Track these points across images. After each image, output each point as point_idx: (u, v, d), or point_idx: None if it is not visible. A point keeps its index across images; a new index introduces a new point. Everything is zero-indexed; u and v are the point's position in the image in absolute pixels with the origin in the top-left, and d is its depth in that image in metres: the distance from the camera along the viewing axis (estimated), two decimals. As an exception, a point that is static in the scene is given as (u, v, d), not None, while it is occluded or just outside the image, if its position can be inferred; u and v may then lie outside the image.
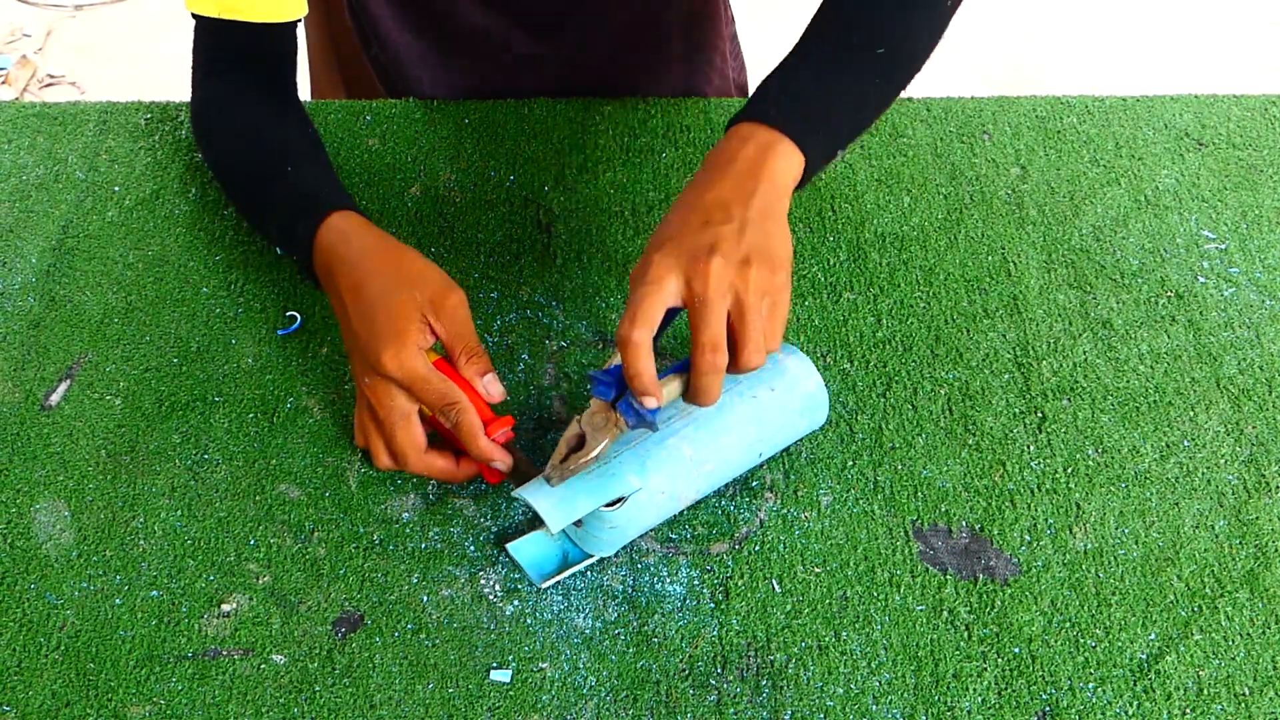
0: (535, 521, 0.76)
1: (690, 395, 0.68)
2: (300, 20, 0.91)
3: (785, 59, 0.78)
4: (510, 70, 1.06)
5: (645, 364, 0.66)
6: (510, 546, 0.75)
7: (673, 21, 1.08)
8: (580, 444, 0.69)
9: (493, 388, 0.74)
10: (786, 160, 0.71)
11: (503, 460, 0.73)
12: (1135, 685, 0.69)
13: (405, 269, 0.76)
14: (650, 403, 0.67)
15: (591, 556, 0.74)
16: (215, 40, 0.90)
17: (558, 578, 0.73)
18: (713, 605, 0.73)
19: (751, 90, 0.81)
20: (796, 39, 0.79)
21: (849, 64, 0.77)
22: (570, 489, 0.70)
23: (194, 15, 0.89)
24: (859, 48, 0.77)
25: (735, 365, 0.67)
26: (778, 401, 0.75)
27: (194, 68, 0.93)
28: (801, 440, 0.80)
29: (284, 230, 0.82)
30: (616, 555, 0.75)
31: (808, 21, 0.80)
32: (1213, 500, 0.78)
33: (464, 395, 0.72)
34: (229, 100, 0.90)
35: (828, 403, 0.78)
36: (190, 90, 0.93)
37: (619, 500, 0.70)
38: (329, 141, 1.00)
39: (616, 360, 0.68)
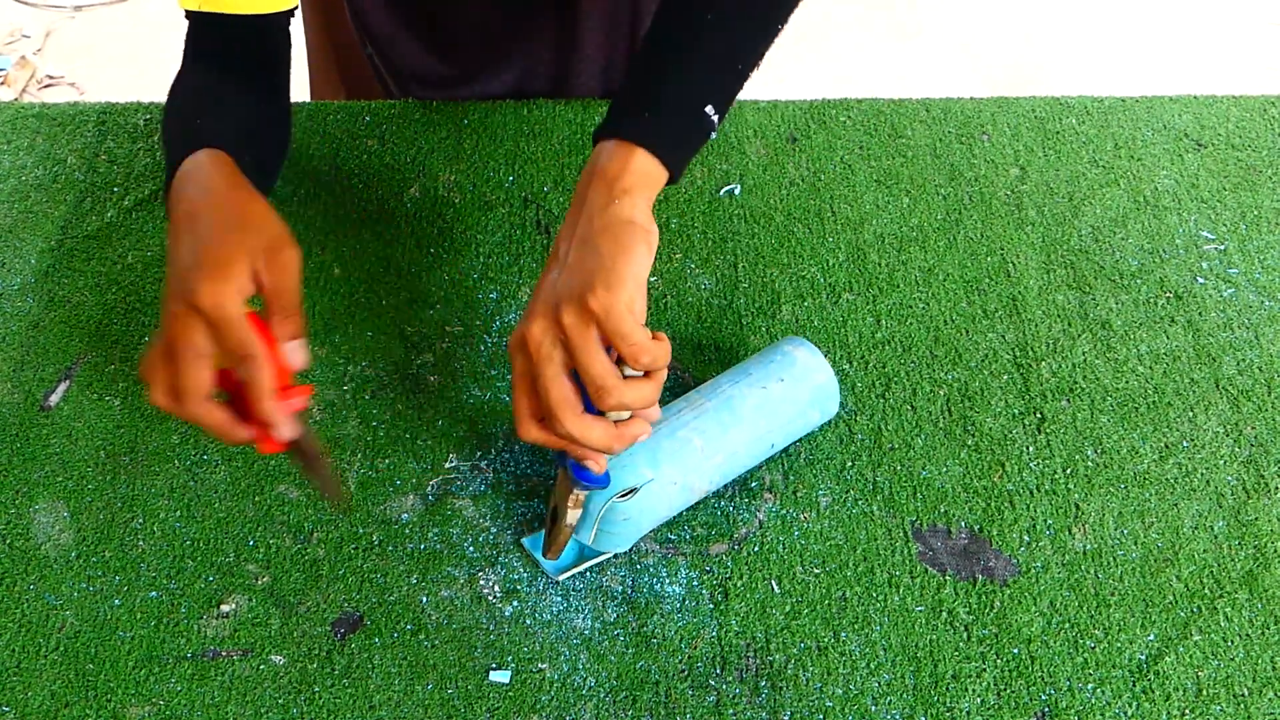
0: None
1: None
2: (292, 16, 0.89)
3: (640, 48, 0.75)
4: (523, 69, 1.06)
5: (561, 441, 0.65)
6: (526, 541, 0.75)
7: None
8: (555, 517, 0.71)
9: (296, 355, 0.69)
10: (610, 156, 0.68)
11: (288, 428, 0.67)
12: (1134, 686, 0.69)
13: (248, 213, 0.71)
14: (594, 467, 0.67)
15: (607, 552, 0.74)
16: (200, 32, 0.88)
17: (573, 570, 0.73)
18: (712, 606, 0.73)
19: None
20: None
21: (666, 35, 0.73)
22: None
23: (185, 13, 0.88)
24: (681, 13, 0.73)
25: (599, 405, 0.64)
26: (788, 393, 0.75)
27: (181, 62, 0.91)
28: (800, 441, 0.80)
29: (168, 166, 0.77)
30: (616, 556, 0.75)
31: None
32: (1212, 501, 0.78)
33: (265, 352, 0.66)
34: (205, 82, 0.85)
35: (839, 394, 0.78)
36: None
37: (631, 491, 0.70)
38: (328, 141, 1.00)
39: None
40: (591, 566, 0.74)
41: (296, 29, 0.93)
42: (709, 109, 0.71)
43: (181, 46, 0.89)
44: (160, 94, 1.07)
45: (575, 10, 1.04)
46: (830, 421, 0.81)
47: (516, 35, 1.05)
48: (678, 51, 0.73)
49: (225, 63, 0.87)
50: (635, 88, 0.72)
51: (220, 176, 0.73)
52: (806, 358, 0.77)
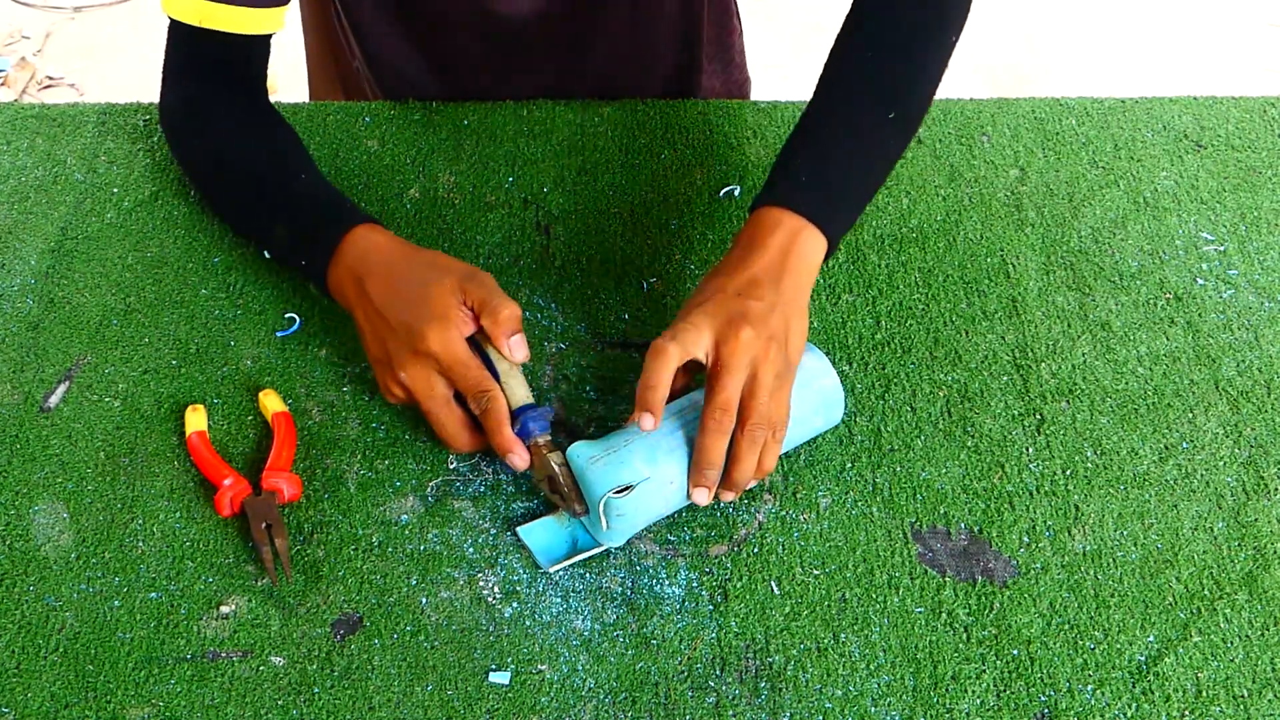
0: (548, 507, 0.76)
1: (695, 455, 0.71)
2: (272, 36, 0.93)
3: (800, 130, 0.82)
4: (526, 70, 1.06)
5: (663, 374, 0.70)
6: (521, 530, 0.75)
7: (666, 28, 1.08)
8: (552, 484, 0.74)
9: (518, 349, 0.76)
10: (813, 244, 0.76)
11: (520, 458, 0.74)
12: (1134, 687, 0.69)
13: (438, 261, 0.79)
14: (647, 423, 0.70)
15: (601, 545, 0.74)
16: (191, 47, 0.93)
17: (566, 563, 0.73)
18: (711, 607, 0.73)
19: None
20: (809, 101, 0.83)
21: (863, 131, 0.82)
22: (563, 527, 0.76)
23: (171, 20, 0.91)
24: (870, 110, 0.81)
25: (736, 439, 0.71)
26: (793, 398, 0.75)
27: (166, 70, 0.95)
28: (801, 442, 0.80)
29: (298, 234, 0.84)
30: (616, 556, 0.75)
31: (817, 80, 0.83)
32: (1211, 502, 0.78)
33: (496, 386, 0.75)
34: (206, 101, 0.92)
35: (844, 400, 0.78)
36: (160, 90, 0.95)
37: (627, 488, 0.70)
38: (328, 142, 1.00)
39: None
40: (584, 560, 0.74)
41: (296, 27, 0.94)
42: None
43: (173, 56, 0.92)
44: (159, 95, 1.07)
45: (586, 38, 1.04)
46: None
47: (520, 60, 1.06)
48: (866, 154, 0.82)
49: (223, 83, 0.93)
50: (833, 183, 0.80)
51: (394, 246, 0.80)
52: (812, 363, 0.77)
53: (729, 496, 0.74)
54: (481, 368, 0.75)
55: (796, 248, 0.75)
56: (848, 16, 0.85)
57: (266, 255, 0.90)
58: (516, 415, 0.75)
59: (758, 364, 0.70)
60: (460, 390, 0.75)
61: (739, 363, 0.70)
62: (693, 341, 0.71)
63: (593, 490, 0.71)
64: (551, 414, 0.76)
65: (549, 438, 0.75)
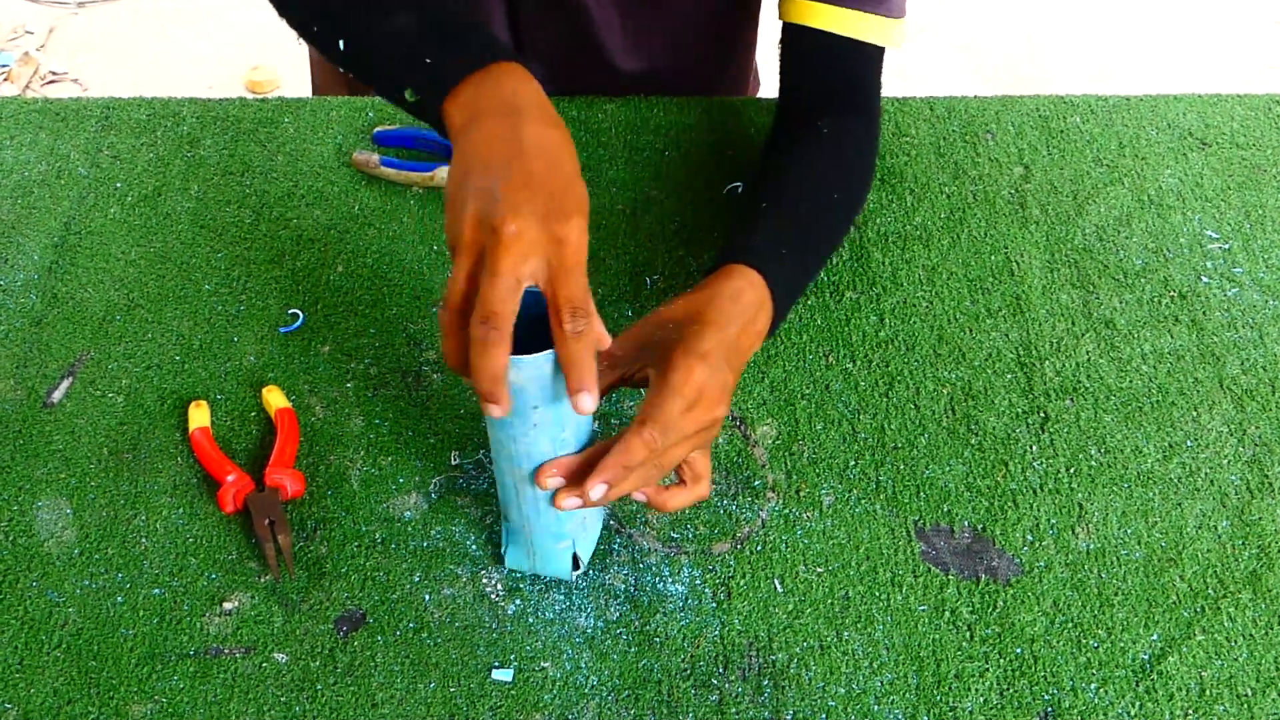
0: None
1: (614, 453, 0.64)
2: None
3: (757, 214, 0.81)
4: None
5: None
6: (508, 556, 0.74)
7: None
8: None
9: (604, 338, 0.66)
10: (764, 322, 0.74)
11: (594, 402, 0.62)
12: (1138, 686, 0.69)
13: (578, 173, 0.66)
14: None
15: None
16: None
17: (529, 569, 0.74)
18: (714, 605, 0.73)
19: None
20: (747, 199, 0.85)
21: (824, 225, 0.84)
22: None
23: None
24: (828, 206, 0.85)
25: (630, 439, 0.64)
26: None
27: None
28: (804, 440, 0.80)
29: (437, 30, 0.70)
30: (618, 554, 0.75)
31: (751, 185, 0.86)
32: (1215, 501, 0.78)
33: (595, 314, 0.63)
34: None
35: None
36: None
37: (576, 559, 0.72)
38: (332, 137, 1.00)
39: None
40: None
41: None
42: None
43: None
44: (164, 89, 1.07)
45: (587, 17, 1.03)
46: (833, 420, 0.81)
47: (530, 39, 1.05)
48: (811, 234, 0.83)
49: None
50: (792, 269, 0.78)
51: (556, 115, 0.68)
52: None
53: (573, 498, 0.66)
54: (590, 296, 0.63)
55: (760, 320, 0.73)
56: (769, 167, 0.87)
57: (342, 47, 0.75)
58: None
59: (705, 425, 0.67)
60: (562, 295, 0.61)
61: (699, 442, 0.67)
62: (688, 389, 0.66)
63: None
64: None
65: None
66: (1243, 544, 0.76)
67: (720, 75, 1.12)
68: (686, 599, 0.73)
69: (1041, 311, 0.88)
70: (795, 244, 0.79)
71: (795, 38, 0.89)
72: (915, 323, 0.88)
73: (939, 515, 0.77)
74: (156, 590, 0.73)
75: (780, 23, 0.90)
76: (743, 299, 0.72)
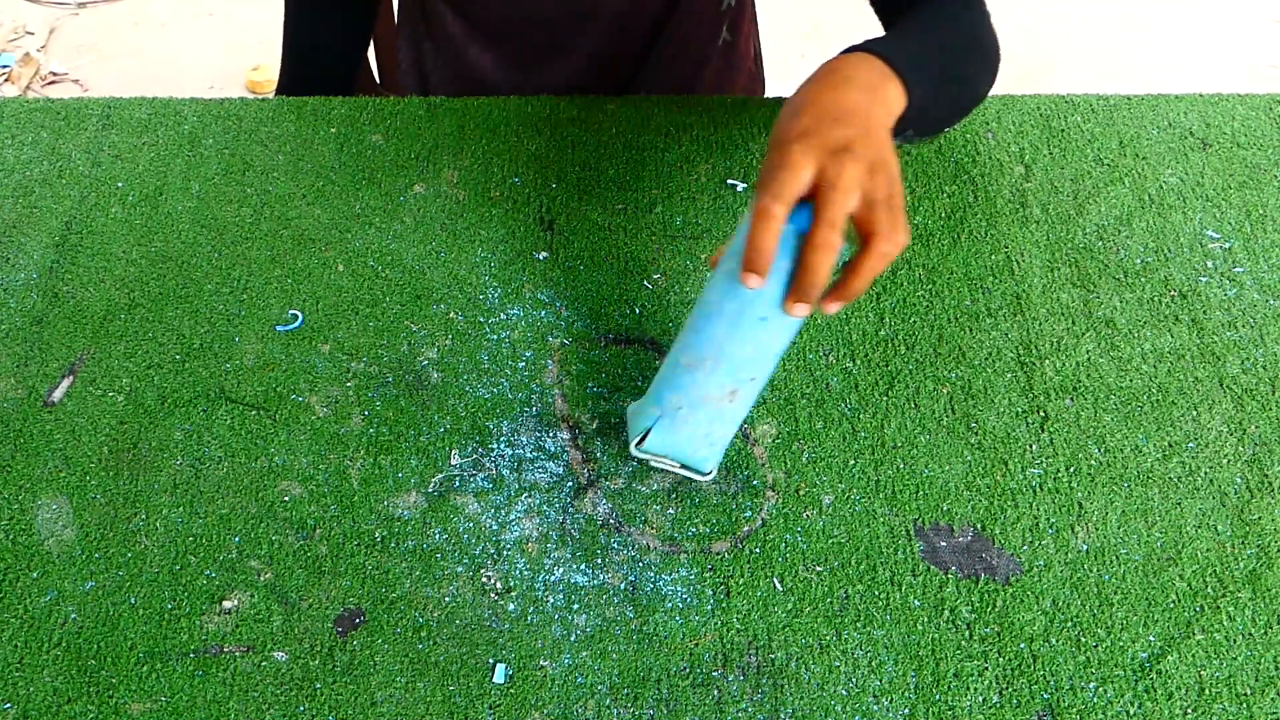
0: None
1: (800, 274, 0.67)
2: None
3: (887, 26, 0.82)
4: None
5: (770, 239, 0.65)
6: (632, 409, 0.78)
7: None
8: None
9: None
10: (896, 93, 0.73)
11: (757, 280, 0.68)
12: (1137, 685, 0.69)
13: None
14: (753, 282, 0.66)
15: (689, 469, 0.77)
16: None
17: (654, 459, 0.76)
18: (714, 604, 0.73)
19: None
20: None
21: (945, 45, 0.82)
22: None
23: None
24: (954, 30, 0.84)
25: (866, 254, 0.67)
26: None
27: None
28: (804, 439, 0.80)
29: None
30: (617, 553, 0.75)
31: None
32: (1215, 500, 0.78)
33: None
34: None
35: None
36: None
37: (646, 433, 0.75)
38: (332, 137, 1.00)
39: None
40: (670, 469, 0.77)
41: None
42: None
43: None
44: (164, 89, 1.07)
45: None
46: (833, 420, 0.81)
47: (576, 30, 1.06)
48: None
49: None
50: (917, 60, 0.76)
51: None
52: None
53: (835, 307, 0.69)
54: None
55: (884, 88, 0.72)
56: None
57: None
58: None
59: (867, 190, 0.67)
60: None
61: (846, 187, 0.66)
62: (794, 188, 0.66)
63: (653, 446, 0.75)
64: None
65: None
66: (1242, 543, 0.76)
67: (698, 75, 1.12)
68: (686, 598, 0.73)
69: (1041, 310, 0.88)
70: (922, 43, 0.78)
71: None
72: (915, 321, 0.88)
73: (938, 514, 0.77)
74: (156, 589, 0.73)
75: None
76: (842, 71, 0.72)
